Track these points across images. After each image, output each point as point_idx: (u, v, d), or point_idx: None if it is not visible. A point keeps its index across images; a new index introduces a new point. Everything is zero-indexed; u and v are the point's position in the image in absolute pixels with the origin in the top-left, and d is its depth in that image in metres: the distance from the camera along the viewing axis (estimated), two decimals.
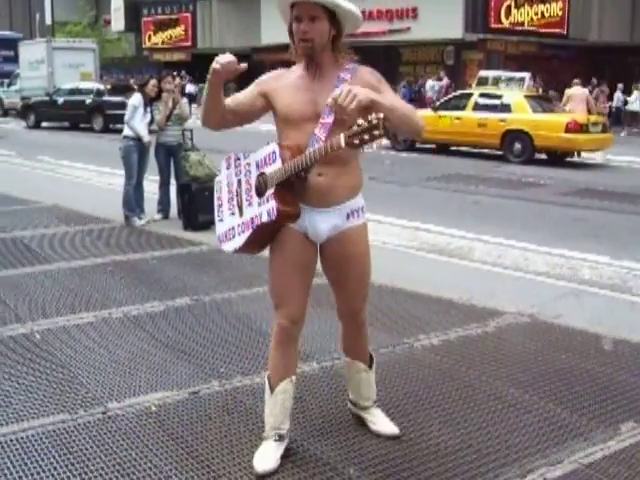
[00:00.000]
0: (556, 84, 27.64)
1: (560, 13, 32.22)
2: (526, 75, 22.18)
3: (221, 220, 3.63)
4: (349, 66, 3.43)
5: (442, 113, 19.51)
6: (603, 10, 33.12)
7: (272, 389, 3.63)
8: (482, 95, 19.74)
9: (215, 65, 3.23)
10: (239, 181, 3.51)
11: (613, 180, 15.44)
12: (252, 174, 3.43)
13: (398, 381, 4.65)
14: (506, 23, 30.82)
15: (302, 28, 3.31)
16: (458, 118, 19.15)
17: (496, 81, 22.50)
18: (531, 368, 4.94)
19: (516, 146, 18.20)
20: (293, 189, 3.33)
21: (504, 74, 24.05)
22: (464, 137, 19.09)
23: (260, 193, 3.37)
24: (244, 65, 3.31)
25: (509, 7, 30.78)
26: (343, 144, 3.08)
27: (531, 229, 9.86)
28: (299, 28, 3.32)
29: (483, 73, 25.01)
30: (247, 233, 3.43)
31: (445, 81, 28.30)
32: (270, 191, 3.30)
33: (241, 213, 3.48)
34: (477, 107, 19.18)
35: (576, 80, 22.85)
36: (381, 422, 3.97)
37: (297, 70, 3.49)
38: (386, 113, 3.08)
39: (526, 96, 19.46)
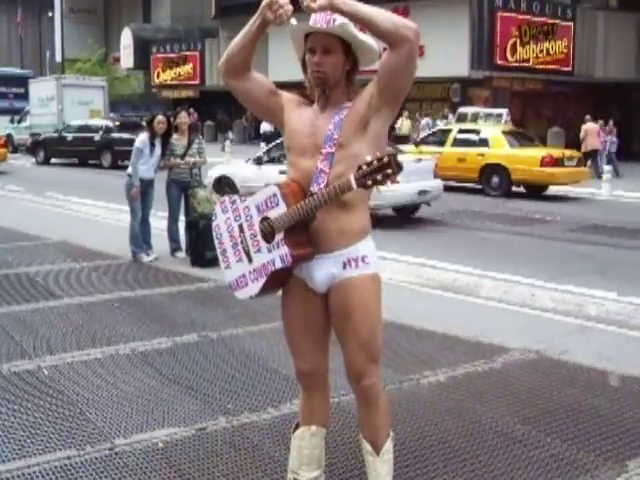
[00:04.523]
0: (563, 120, 27.83)
1: (565, 50, 32.42)
2: (504, 111, 23.12)
3: (228, 267, 3.40)
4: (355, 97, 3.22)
5: (423, 148, 19.89)
6: (608, 47, 33.34)
7: (293, 431, 3.55)
8: (461, 131, 20.49)
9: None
10: (240, 226, 3.31)
11: (619, 216, 15.47)
12: (254, 219, 3.24)
13: (404, 417, 4.65)
14: (512, 60, 31.01)
15: (315, 60, 3.13)
16: (439, 153, 19.45)
17: (475, 117, 23.28)
18: (538, 404, 4.93)
19: (494, 180, 19.03)
20: (302, 228, 3.14)
21: (482, 110, 24.75)
22: (445, 171, 19.28)
23: (267, 238, 3.19)
24: (293, 20, 3.12)
25: (514, 45, 30.95)
26: (354, 186, 2.90)
27: (537, 265, 9.86)
28: (312, 60, 3.14)
29: (462, 109, 25.74)
30: (262, 280, 3.24)
31: (450, 118, 28.39)
32: (279, 236, 3.13)
33: (250, 260, 3.27)
34: (456, 142, 19.97)
35: (587, 117, 24.52)
36: None
37: (313, 104, 3.30)
38: (349, 13, 2.99)
39: (503, 131, 20.14)
